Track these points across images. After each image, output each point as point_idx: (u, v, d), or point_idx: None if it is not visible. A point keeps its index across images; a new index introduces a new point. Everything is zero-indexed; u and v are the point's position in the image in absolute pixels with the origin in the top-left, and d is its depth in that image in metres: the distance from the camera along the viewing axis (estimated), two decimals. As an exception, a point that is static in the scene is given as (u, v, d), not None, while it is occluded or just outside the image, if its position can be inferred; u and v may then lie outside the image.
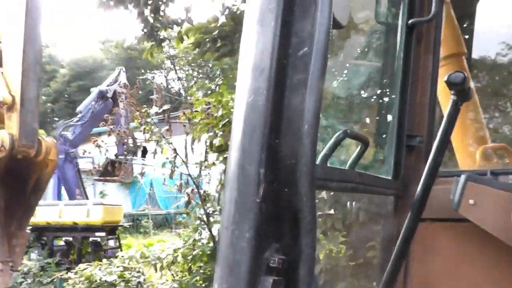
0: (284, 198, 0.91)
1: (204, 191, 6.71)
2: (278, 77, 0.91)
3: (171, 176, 6.98)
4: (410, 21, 2.10)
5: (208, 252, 6.28)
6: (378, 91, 2.52)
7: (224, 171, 6.59)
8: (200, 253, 6.36)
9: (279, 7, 0.93)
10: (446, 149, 1.72)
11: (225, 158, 6.17)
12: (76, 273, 7.86)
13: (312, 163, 0.90)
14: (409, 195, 2.12)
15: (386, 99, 2.45)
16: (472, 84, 4.72)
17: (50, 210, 11.78)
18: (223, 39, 6.47)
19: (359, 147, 1.58)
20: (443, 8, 2.15)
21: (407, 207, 1.95)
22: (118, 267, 7.71)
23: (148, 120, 6.77)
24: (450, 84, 1.39)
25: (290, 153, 0.90)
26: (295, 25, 0.93)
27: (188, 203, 6.62)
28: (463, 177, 1.91)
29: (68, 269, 9.61)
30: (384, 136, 2.35)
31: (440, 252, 2.13)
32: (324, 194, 4.16)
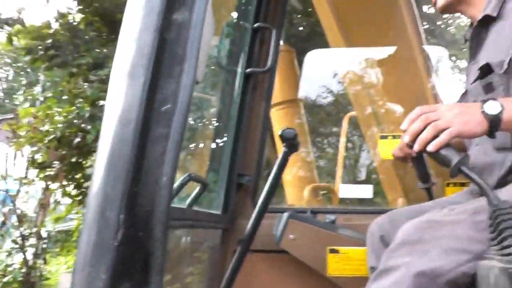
0: (139, 242, 0.97)
1: (22, 211, 6.19)
2: (143, 130, 0.99)
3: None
4: (247, 70, 2.33)
5: (20, 279, 5.76)
6: (215, 132, 2.70)
7: (45, 189, 6.19)
8: (12, 279, 5.80)
9: (149, 64, 1.01)
10: (275, 191, 1.94)
11: (47, 176, 5.83)
12: None
13: (167, 211, 0.99)
14: (236, 229, 2.32)
15: (221, 139, 2.64)
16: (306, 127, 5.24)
17: None
18: (56, 49, 6.14)
19: (199, 187, 1.70)
20: (277, 62, 2.41)
21: (234, 239, 2.13)
22: None
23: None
24: (283, 138, 1.61)
25: (148, 201, 0.98)
26: (162, 82, 1.01)
27: (3, 223, 6.06)
28: (285, 215, 2.15)
29: None
30: (216, 173, 2.52)
31: (262, 280, 2.34)
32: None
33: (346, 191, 3.63)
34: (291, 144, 1.63)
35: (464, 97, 1.87)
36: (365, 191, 3.54)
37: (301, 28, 9.82)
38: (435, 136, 1.30)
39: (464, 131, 1.30)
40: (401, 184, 4.08)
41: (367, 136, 4.72)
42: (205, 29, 1.09)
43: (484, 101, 1.33)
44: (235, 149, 2.29)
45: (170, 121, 1.01)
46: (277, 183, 1.73)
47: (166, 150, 0.99)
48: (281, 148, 1.70)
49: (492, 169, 1.58)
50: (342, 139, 5.13)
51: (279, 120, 4.98)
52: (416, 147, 1.32)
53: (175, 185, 1.44)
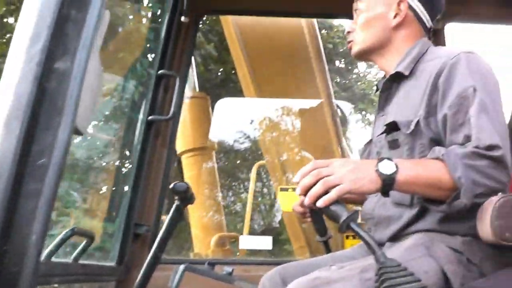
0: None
1: None
2: (15, 184, 0.93)
3: None
4: (150, 117, 2.30)
5: None
6: (114, 180, 2.62)
7: None
8: None
9: (25, 116, 0.96)
10: (168, 242, 1.88)
11: None
12: None
13: (36, 271, 0.92)
14: (131, 280, 2.22)
15: (120, 187, 2.56)
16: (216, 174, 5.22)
17: None
18: None
19: (85, 241, 1.62)
20: (181, 110, 2.40)
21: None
22: None
23: None
24: (174, 191, 1.59)
25: (16, 260, 0.91)
26: (38, 134, 0.96)
27: None
28: (181, 267, 2.09)
29: None
30: (112, 222, 2.43)
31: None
32: None
33: (246, 242, 3.62)
34: (184, 197, 1.61)
35: (368, 145, 1.88)
36: (265, 243, 3.55)
37: (218, 75, 9.98)
38: (326, 192, 1.30)
39: (355, 188, 1.30)
40: (304, 234, 4.16)
41: (275, 185, 4.80)
42: (89, 79, 1.06)
43: (380, 160, 1.35)
44: (133, 198, 2.22)
45: (44, 176, 0.96)
46: (169, 236, 1.69)
47: (38, 206, 0.94)
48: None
49: (388, 223, 1.61)
50: (251, 188, 5.18)
51: (189, 167, 4.96)
52: (307, 201, 1.33)
53: (57, 239, 1.36)
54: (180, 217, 1.68)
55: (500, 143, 1.36)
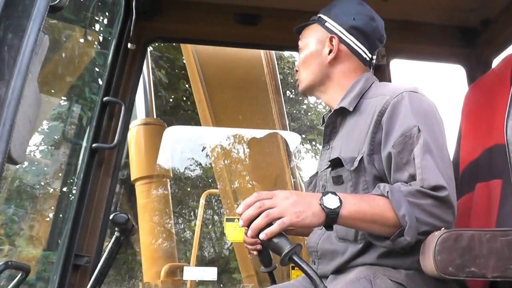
0: None
1: None
2: None
3: None
4: (93, 145, 2.24)
5: None
6: (56, 210, 2.53)
7: None
8: None
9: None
10: (107, 273, 1.82)
11: None
12: None
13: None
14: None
15: (60, 217, 2.47)
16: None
17: None
18: None
19: (20, 274, 1.55)
20: (126, 138, 2.36)
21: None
22: None
23: None
24: (114, 223, 1.55)
25: None
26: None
27: None
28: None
29: None
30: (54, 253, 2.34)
31: None
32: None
33: (191, 273, 3.56)
34: (124, 228, 1.58)
35: (314, 178, 1.89)
36: (210, 274, 3.51)
37: (170, 101, 9.92)
38: (269, 224, 1.30)
39: (298, 221, 1.30)
40: (253, 263, 4.13)
41: (225, 213, 4.77)
42: (26, 107, 1.03)
43: (324, 193, 1.36)
44: (74, 227, 2.15)
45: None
46: (108, 268, 1.64)
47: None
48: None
49: (332, 256, 1.62)
50: (199, 216, 5.12)
51: (143, 194, 4.87)
52: (249, 233, 1.32)
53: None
54: (119, 249, 1.64)
55: (445, 184, 1.38)
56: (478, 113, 2.08)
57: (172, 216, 5.62)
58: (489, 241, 1.29)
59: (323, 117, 1.91)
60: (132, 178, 4.84)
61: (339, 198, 1.35)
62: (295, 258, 1.27)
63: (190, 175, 9.61)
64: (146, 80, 4.99)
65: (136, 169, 4.77)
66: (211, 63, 3.92)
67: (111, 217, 1.57)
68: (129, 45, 2.42)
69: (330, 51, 1.77)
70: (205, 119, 4.11)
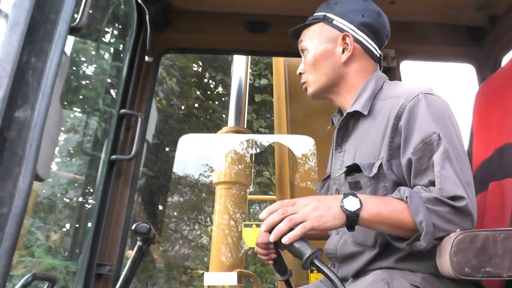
0: None
1: None
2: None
3: None
4: (112, 157, 2.30)
5: None
6: (77, 220, 2.58)
7: None
8: None
9: (-17, 163, 0.96)
10: (131, 281, 1.87)
11: None
12: None
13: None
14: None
15: (83, 227, 2.53)
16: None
17: None
18: None
19: (46, 286, 1.60)
20: (143, 150, 2.41)
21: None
22: None
23: None
24: (136, 232, 1.60)
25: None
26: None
27: None
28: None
29: None
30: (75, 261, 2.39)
31: None
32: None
33: (211, 278, 3.59)
34: (146, 237, 1.62)
35: (326, 181, 1.87)
36: (230, 278, 3.54)
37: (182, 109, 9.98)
38: (291, 229, 1.34)
39: (319, 225, 1.34)
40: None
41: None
42: (50, 127, 1.07)
43: (345, 195, 1.39)
44: (96, 237, 2.20)
45: (3, 226, 0.96)
46: (131, 277, 1.69)
47: (-3, 255, 0.94)
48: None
49: (351, 260, 1.64)
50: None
51: (219, 199, 4.87)
52: (272, 238, 1.36)
53: (17, 286, 1.34)
54: (142, 257, 1.68)
55: (464, 194, 1.39)
56: (489, 112, 2.09)
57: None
58: (504, 241, 1.31)
59: (332, 119, 1.89)
60: (214, 181, 4.93)
61: (360, 200, 1.38)
62: (316, 262, 1.31)
63: (204, 181, 9.65)
64: (242, 87, 5.07)
65: (218, 174, 4.83)
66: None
67: (133, 227, 1.61)
68: (146, 58, 2.47)
69: (343, 50, 1.72)
70: (279, 126, 4.08)
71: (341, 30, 1.74)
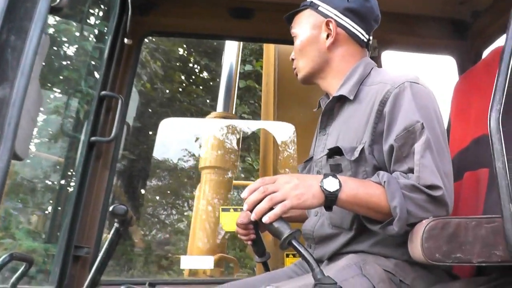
0: None
1: None
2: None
3: None
4: (91, 139, 2.28)
5: None
6: (55, 202, 2.57)
7: None
8: None
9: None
10: (107, 263, 1.86)
11: None
12: None
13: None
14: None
15: (61, 209, 2.52)
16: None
17: None
18: None
19: (24, 266, 1.60)
20: (123, 132, 2.40)
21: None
22: None
23: None
24: (114, 214, 1.61)
25: None
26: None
27: None
28: (122, 288, 2.07)
29: None
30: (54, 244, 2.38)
31: None
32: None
33: (188, 262, 3.60)
34: (123, 220, 1.63)
35: (308, 163, 1.90)
36: (206, 262, 3.56)
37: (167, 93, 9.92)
38: (271, 208, 1.36)
39: (299, 203, 1.37)
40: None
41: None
42: (29, 106, 1.07)
43: (325, 176, 1.41)
44: (74, 220, 2.19)
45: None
46: (108, 259, 1.69)
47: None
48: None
49: (327, 242, 1.67)
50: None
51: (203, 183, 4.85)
52: (253, 216, 1.36)
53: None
54: (119, 240, 1.69)
55: (440, 184, 1.42)
56: (467, 104, 2.12)
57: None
58: (475, 228, 1.34)
59: (319, 101, 1.90)
60: (200, 166, 4.91)
61: (339, 182, 1.40)
62: (294, 243, 1.32)
63: (183, 166, 9.62)
64: (233, 74, 5.03)
65: (204, 158, 4.82)
66: (288, 62, 3.87)
67: (110, 208, 1.61)
68: (125, 40, 2.45)
69: (328, 36, 1.74)
70: (266, 112, 4.05)
71: (325, 16, 1.76)
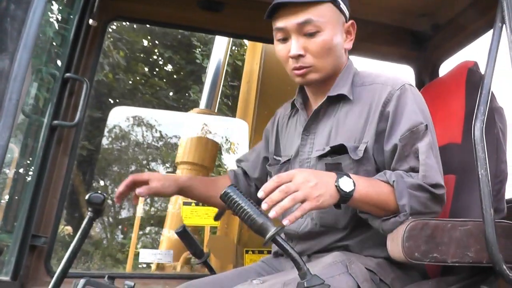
0: None
1: None
2: None
3: None
4: (53, 123, 2.18)
5: None
6: (12, 188, 2.42)
7: None
8: None
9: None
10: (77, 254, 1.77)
11: None
12: None
13: None
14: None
15: (18, 196, 2.38)
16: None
17: None
18: None
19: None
20: (84, 117, 2.30)
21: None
22: None
23: None
24: (90, 203, 1.55)
25: None
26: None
27: None
28: (82, 281, 1.98)
29: None
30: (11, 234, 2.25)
31: None
32: None
33: (146, 256, 3.53)
34: (98, 209, 1.57)
35: (285, 164, 1.80)
36: (166, 256, 3.50)
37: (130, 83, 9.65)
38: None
39: (317, 206, 1.34)
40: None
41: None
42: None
43: (339, 175, 1.39)
44: (32, 207, 2.08)
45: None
46: (79, 249, 1.61)
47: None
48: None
49: (311, 240, 1.66)
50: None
51: None
52: (273, 214, 1.29)
53: None
54: (90, 229, 1.62)
55: (443, 183, 1.51)
56: (431, 114, 2.20)
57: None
58: (450, 230, 1.42)
59: (294, 102, 1.84)
60: (177, 160, 4.74)
61: (353, 182, 1.40)
62: (279, 240, 1.30)
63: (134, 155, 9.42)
64: (219, 71, 4.90)
65: (181, 154, 4.66)
66: (274, 61, 3.75)
67: (86, 196, 1.54)
68: (90, 21, 2.35)
69: (347, 37, 1.69)
70: (244, 110, 3.94)
71: (345, 16, 1.69)
